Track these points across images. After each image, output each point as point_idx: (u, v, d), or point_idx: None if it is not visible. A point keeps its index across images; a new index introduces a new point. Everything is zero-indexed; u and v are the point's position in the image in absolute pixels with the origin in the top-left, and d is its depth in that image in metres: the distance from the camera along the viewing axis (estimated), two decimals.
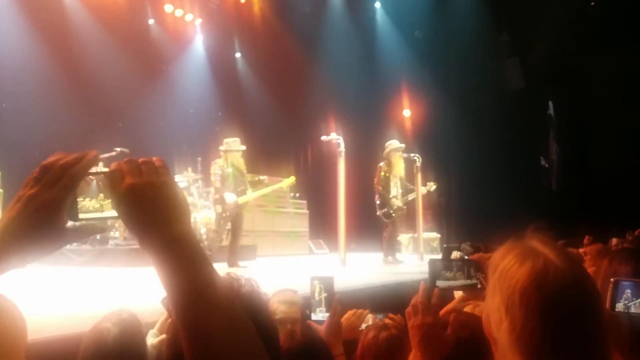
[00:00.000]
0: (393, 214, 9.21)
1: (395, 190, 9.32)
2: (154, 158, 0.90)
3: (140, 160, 0.89)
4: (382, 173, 9.27)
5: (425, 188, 9.86)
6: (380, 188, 9.22)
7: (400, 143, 9.61)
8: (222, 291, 0.85)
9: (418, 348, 1.48)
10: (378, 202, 9.26)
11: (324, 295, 2.48)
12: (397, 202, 9.26)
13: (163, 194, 0.88)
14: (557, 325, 0.98)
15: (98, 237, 9.02)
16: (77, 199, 0.90)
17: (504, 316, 1.02)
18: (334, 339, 2.31)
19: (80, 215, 0.92)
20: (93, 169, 0.93)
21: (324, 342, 2.07)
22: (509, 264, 1.04)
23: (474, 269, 1.60)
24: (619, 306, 1.38)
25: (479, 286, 1.59)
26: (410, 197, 9.58)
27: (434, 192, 10.27)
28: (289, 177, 9.55)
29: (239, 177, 8.24)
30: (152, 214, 0.87)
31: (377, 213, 9.29)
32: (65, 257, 8.67)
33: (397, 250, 9.96)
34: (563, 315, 0.98)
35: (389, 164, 9.32)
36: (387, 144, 9.53)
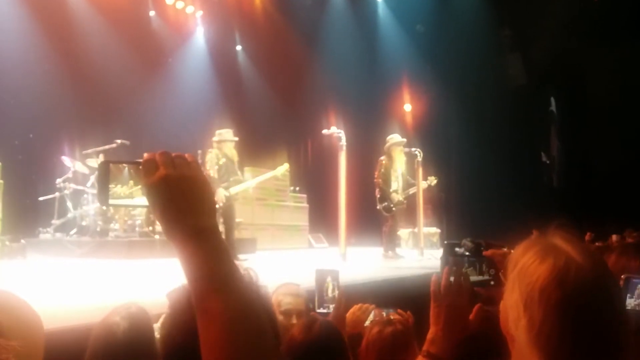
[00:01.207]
0: (393, 208, 9.20)
1: (395, 184, 9.31)
2: (185, 154, 0.95)
3: (174, 153, 0.94)
4: (383, 167, 9.25)
5: (426, 183, 9.83)
6: (381, 182, 9.20)
7: (402, 137, 9.60)
8: (242, 284, 0.89)
9: (441, 326, 1.49)
10: (378, 196, 9.24)
11: (336, 292, 2.49)
12: (398, 197, 9.24)
13: (194, 187, 0.93)
14: (577, 324, 0.96)
15: (98, 228, 9.01)
16: (109, 185, 0.94)
17: (522, 313, 1.01)
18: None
19: (111, 201, 0.96)
20: (126, 158, 0.98)
21: (342, 336, 2.07)
22: (529, 261, 1.02)
23: (486, 265, 1.58)
24: (630, 302, 1.35)
25: (492, 282, 1.57)
26: (411, 191, 9.56)
27: (435, 186, 10.26)
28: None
29: (231, 168, 8.22)
30: (182, 205, 0.91)
31: (378, 207, 9.27)
32: (65, 248, 8.67)
33: (397, 245, 9.94)
34: (584, 314, 0.96)
35: (390, 158, 9.30)
36: (388, 138, 9.52)
